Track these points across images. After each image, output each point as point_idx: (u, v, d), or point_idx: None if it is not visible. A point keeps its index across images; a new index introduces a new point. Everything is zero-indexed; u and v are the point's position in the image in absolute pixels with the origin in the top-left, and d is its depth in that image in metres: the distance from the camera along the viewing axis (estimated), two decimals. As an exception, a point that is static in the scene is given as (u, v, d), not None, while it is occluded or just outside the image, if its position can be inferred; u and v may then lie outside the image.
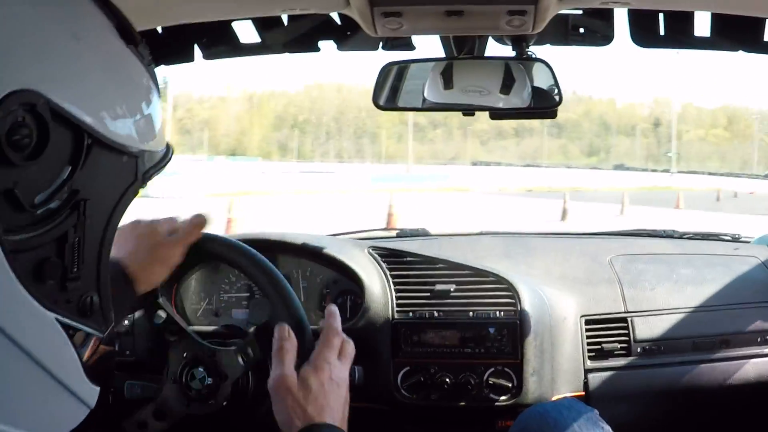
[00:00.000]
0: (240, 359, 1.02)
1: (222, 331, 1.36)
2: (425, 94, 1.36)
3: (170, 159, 0.62)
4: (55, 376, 0.49)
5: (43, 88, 0.45)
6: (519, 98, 1.34)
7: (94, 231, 0.51)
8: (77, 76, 0.48)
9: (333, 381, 0.89)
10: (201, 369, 1.02)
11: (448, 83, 1.34)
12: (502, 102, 1.33)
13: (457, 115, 1.47)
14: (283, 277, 1.04)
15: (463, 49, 1.43)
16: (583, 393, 1.49)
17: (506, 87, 1.33)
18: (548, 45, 1.47)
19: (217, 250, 1.07)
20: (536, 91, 1.42)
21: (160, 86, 0.60)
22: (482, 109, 1.36)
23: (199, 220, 1.00)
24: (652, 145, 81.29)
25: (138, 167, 0.55)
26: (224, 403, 1.02)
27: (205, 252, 1.05)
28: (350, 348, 0.96)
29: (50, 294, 0.48)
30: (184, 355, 1.04)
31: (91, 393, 0.54)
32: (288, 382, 0.87)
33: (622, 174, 45.73)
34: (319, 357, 0.91)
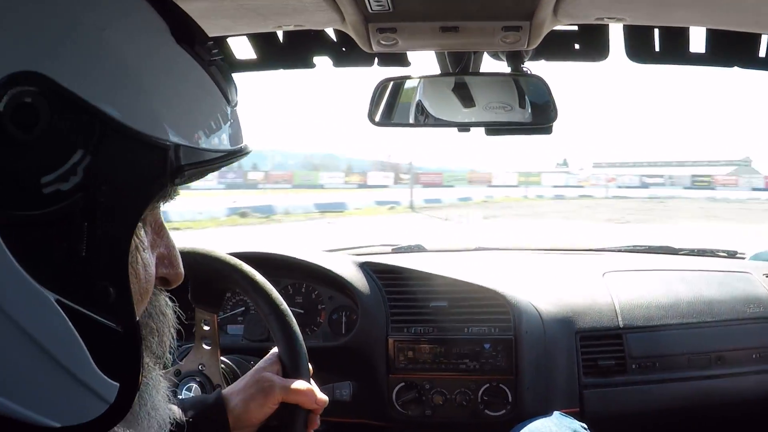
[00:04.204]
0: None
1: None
2: (433, 112, 1.36)
3: (223, 162, 0.56)
4: (55, 358, 0.48)
5: (51, 71, 0.46)
6: (523, 113, 1.35)
7: (113, 220, 0.50)
8: (96, 64, 0.49)
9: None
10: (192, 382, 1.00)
11: (467, 101, 1.35)
12: (522, 116, 1.34)
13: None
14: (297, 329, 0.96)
15: (459, 65, 1.44)
16: (578, 409, 1.48)
17: (522, 99, 1.35)
18: (543, 61, 1.48)
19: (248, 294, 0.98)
20: (533, 107, 1.44)
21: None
22: (503, 126, 1.36)
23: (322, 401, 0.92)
24: None
25: (168, 161, 0.51)
26: None
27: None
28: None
29: (50, 273, 0.47)
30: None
31: (108, 387, 0.51)
32: None
33: None
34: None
